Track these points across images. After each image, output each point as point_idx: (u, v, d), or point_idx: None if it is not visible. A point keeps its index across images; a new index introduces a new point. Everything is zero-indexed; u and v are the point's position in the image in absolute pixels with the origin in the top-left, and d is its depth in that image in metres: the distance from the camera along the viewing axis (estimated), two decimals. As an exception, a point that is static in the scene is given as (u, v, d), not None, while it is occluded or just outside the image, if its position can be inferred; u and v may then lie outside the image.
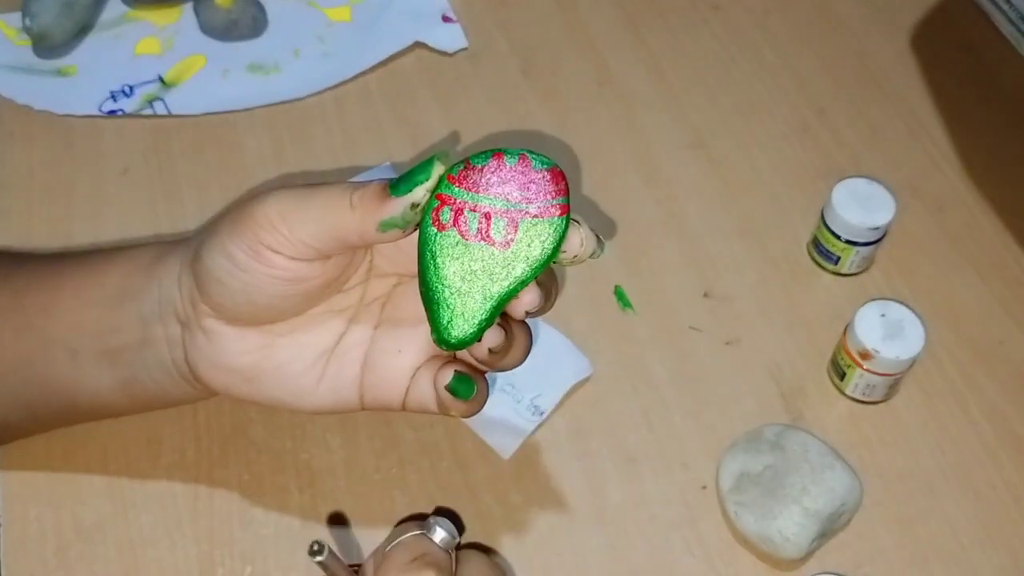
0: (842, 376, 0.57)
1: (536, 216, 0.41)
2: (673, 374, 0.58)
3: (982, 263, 0.63)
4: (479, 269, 0.41)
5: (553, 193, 0.41)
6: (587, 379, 0.58)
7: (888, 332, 0.54)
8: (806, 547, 0.50)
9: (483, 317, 0.42)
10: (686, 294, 0.61)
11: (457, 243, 0.41)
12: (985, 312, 0.61)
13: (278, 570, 0.51)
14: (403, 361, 0.46)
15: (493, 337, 0.43)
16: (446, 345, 0.42)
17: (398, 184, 0.41)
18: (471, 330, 0.42)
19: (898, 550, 0.53)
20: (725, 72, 0.72)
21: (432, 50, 0.72)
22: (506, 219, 0.41)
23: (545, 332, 0.59)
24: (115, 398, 0.49)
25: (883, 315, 0.55)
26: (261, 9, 0.72)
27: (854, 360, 0.55)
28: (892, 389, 0.57)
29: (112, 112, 0.68)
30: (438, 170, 0.41)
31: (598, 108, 0.70)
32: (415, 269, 0.43)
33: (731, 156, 0.68)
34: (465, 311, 0.42)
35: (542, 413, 0.56)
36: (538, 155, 0.41)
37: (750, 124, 0.69)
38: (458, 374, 0.44)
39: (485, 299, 0.42)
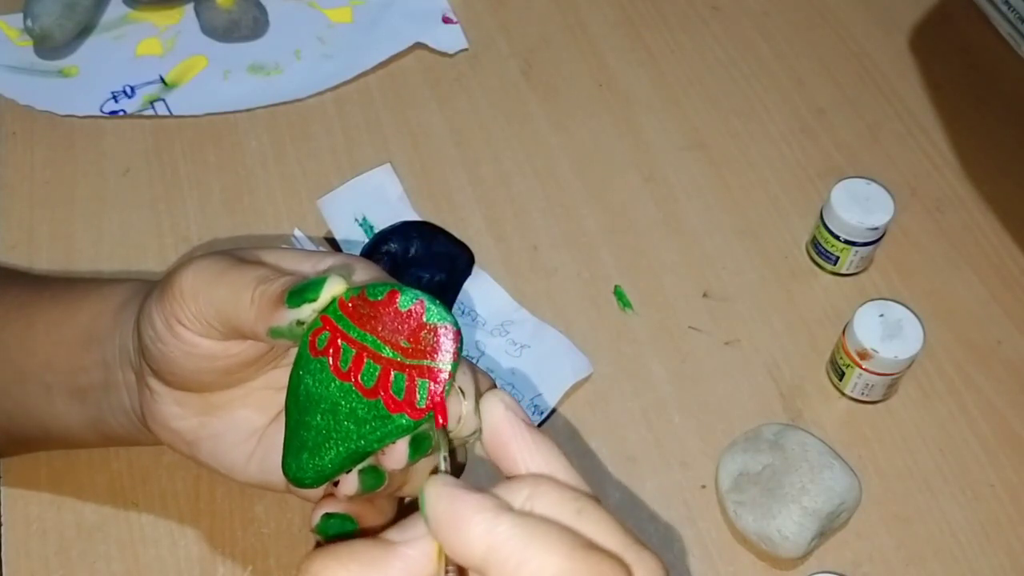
0: (841, 376, 0.57)
1: (413, 375, 0.35)
2: (672, 374, 0.58)
3: (980, 263, 0.63)
4: (341, 410, 0.36)
5: (440, 353, 0.35)
6: (587, 378, 0.58)
7: (887, 332, 0.54)
8: (805, 546, 0.51)
9: (329, 466, 0.37)
10: (685, 294, 0.61)
11: (326, 373, 0.37)
12: (983, 312, 0.61)
13: (279, 569, 0.51)
14: None
15: (348, 487, 0.39)
16: (286, 476, 0.39)
17: (293, 295, 0.38)
18: (310, 475, 0.38)
19: (897, 549, 0.53)
20: (724, 73, 0.72)
21: (432, 51, 0.72)
22: (380, 367, 0.36)
23: (545, 331, 0.59)
24: (86, 435, 0.49)
25: (882, 315, 0.55)
26: (262, 10, 0.72)
27: (853, 360, 0.55)
28: (891, 389, 0.57)
29: (113, 112, 0.68)
30: (328, 291, 0.37)
31: (598, 109, 0.70)
32: None
33: (730, 156, 0.68)
34: (315, 450, 0.37)
35: (542, 412, 0.56)
36: (438, 306, 0.36)
37: (749, 125, 0.70)
38: (327, 516, 0.40)
39: (337, 445, 0.37)
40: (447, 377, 0.35)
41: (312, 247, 0.61)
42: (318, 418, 0.37)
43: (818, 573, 0.51)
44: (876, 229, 0.59)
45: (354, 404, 0.36)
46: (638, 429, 0.56)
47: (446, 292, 0.60)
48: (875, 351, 0.54)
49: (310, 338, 0.37)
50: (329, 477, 0.38)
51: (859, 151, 0.68)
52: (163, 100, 0.69)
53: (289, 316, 0.38)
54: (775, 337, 0.60)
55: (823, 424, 0.57)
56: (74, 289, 0.49)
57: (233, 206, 0.64)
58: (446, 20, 0.74)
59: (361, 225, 0.62)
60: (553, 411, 0.56)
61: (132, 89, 0.69)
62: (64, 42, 0.69)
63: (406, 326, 0.36)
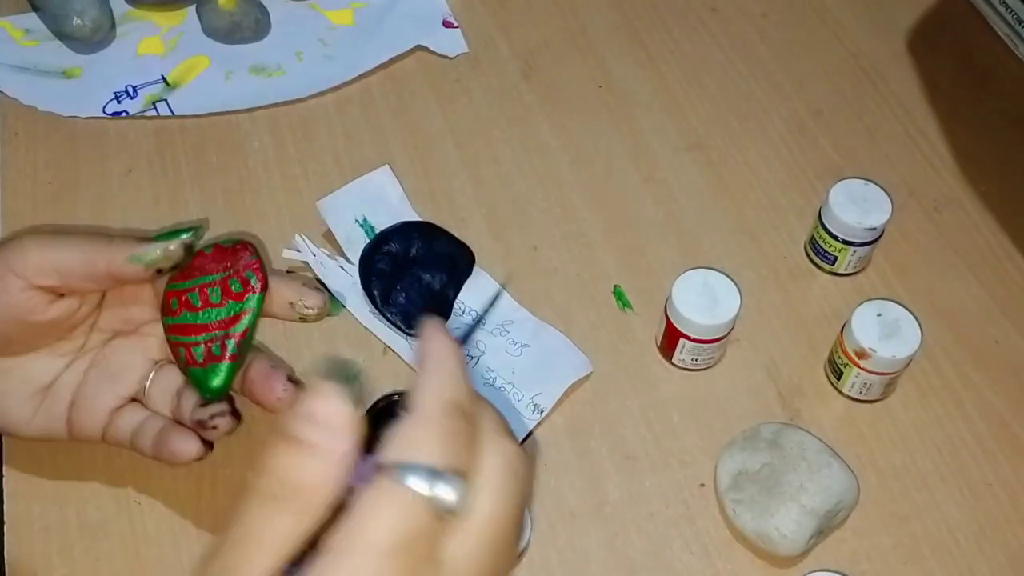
0: (839, 375, 0.57)
1: (239, 275, 0.50)
2: (671, 373, 0.59)
3: (978, 263, 0.64)
4: (212, 325, 0.50)
5: (245, 257, 0.50)
6: (586, 377, 0.58)
7: (884, 331, 0.55)
8: (803, 544, 0.51)
9: (228, 362, 0.50)
10: (685, 294, 0.62)
11: (188, 318, 0.50)
12: (981, 312, 0.62)
13: (281, 567, 0.51)
14: (103, 403, 0.51)
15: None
16: (210, 395, 0.50)
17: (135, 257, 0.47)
18: (224, 378, 0.49)
19: (895, 547, 0.53)
20: (723, 74, 0.73)
21: (433, 53, 0.72)
22: (219, 286, 0.50)
23: (545, 331, 0.59)
24: None
25: (879, 315, 0.55)
26: (264, 12, 0.73)
27: (851, 359, 0.55)
28: (888, 388, 0.57)
29: (116, 114, 0.68)
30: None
31: (597, 110, 0.70)
32: (130, 328, 0.52)
33: (729, 157, 0.68)
34: (216, 366, 0.49)
35: (542, 411, 0.56)
36: (228, 240, 0.51)
37: (748, 125, 0.70)
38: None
39: (225, 347, 0.49)
40: (260, 263, 0.50)
41: (314, 250, 0.61)
42: (201, 344, 0.50)
43: (816, 571, 0.51)
44: (874, 229, 0.60)
45: (216, 315, 0.50)
46: (637, 428, 0.57)
47: (447, 292, 0.60)
48: (873, 351, 0.54)
49: (166, 304, 0.50)
50: (238, 369, 0.50)
51: (857, 152, 0.69)
52: (165, 100, 0.69)
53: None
54: (774, 337, 0.60)
55: (821, 423, 0.57)
56: None
57: (235, 207, 0.64)
58: (447, 24, 0.74)
59: (362, 226, 0.62)
60: (553, 410, 0.57)
61: (134, 89, 0.69)
62: (108, 31, 0.70)
63: (217, 259, 0.50)
